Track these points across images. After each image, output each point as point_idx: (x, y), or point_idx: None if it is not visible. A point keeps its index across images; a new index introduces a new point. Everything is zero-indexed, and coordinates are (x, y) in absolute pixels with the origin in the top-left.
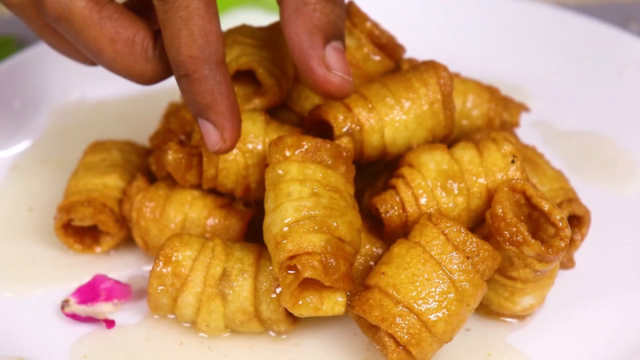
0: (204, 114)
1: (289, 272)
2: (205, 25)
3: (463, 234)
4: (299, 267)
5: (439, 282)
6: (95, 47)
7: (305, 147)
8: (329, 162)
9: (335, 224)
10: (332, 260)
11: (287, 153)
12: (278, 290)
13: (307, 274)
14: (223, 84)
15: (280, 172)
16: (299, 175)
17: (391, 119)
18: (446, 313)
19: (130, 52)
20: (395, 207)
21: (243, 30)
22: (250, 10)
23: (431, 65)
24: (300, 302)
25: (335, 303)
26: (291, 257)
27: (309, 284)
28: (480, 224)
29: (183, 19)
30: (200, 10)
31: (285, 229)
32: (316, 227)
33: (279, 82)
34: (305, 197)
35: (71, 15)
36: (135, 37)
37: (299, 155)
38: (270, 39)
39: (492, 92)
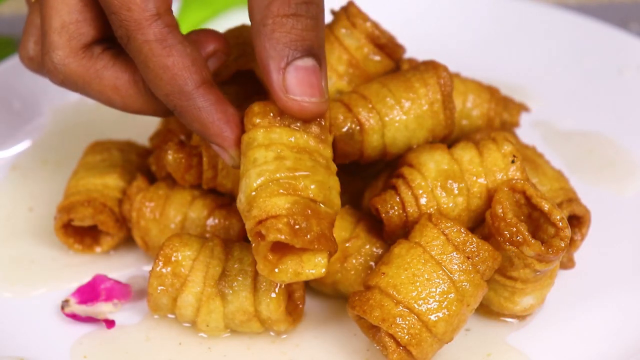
0: (207, 139)
1: (258, 239)
2: (164, 61)
3: (463, 234)
4: (263, 231)
5: (439, 282)
6: (103, 99)
7: (272, 112)
8: (298, 124)
9: (302, 184)
10: (302, 222)
11: (257, 120)
12: (277, 288)
13: (272, 237)
14: (204, 109)
15: (248, 140)
16: (264, 141)
17: (391, 119)
18: (446, 313)
19: (136, 93)
20: (396, 207)
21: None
22: None
23: (431, 65)
24: (277, 270)
25: (315, 265)
26: (258, 224)
27: (288, 250)
28: (480, 224)
29: (143, 63)
30: (154, 49)
31: (253, 193)
32: (281, 190)
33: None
34: (269, 162)
35: (71, 78)
36: (136, 78)
37: (266, 121)
38: None
39: (492, 92)
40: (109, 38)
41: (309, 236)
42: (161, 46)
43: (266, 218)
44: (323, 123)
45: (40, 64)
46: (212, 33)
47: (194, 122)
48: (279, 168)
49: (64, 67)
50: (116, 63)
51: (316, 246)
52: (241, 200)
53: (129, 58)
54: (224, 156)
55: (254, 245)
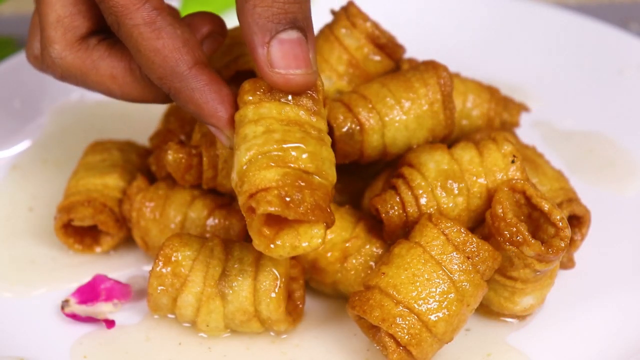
0: (202, 121)
1: (251, 214)
2: (154, 44)
3: (463, 234)
4: (254, 205)
5: (439, 282)
6: (102, 89)
7: (262, 88)
8: (288, 98)
9: (293, 155)
10: (293, 193)
11: (248, 97)
12: (277, 288)
13: (262, 209)
14: (197, 89)
15: (239, 118)
16: (254, 117)
17: (391, 119)
18: (447, 313)
19: (134, 80)
20: (396, 207)
21: None
22: None
23: (431, 65)
24: (274, 245)
25: (312, 237)
26: (249, 198)
27: (284, 225)
28: (480, 224)
29: (135, 48)
30: (143, 34)
31: (244, 167)
32: (271, 163)
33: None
34: (258, 136)
35: (69, 71)
36: (131, 65)
37: (257, 97)
38: None
39: (492, 92)
40: (105, 29)
41: (302, 208)
42: (150, 29)
43: (256, 192)
44: (315, 96)
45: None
46: (207, 15)
47: (188, 104)
48: (267, 141)
49: (61, 60)
50: (112, 53)
51: (311, 217)
52: (234, 178)
53: (124, 47)
54: (220, 137)
55: (247, 221)
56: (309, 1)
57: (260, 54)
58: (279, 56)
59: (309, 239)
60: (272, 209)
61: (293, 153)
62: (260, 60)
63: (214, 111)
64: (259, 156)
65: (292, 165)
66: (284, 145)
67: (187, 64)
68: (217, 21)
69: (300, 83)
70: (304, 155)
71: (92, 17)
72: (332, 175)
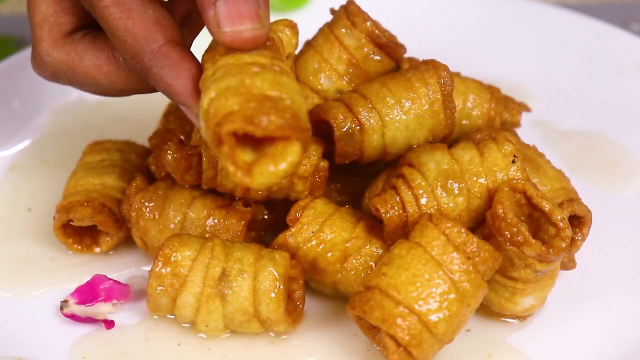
0: (172, 99)
1: (219, 143)
2: (124, 24)
3: (464, 235)
4: (219, 129)
5: (439, 282)
6: (90, 81)
7: (219, 52)
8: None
9: (256, 83)
10: (258, 111)
11: (207, 65)
12: (277, 289)
13: (226, 129)
14: (167, 67)
15: (201, 83)
16: (211, 71)
17: (391, 118)
18: (447, 314)
19: (117, 68)
20: (396, 207)
21: None
22: None
23: (431, 65)
24: (253, 175)
25: (288, 153)
26: (215, 127)
27: (260, 155)
28: (480, 224)
29: (108, 31)
30: (114, 14)
31: (206, 107)
32: (230, 93)
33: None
34: (217, 79)
35: (57, 68)
36: (114, 52)
37: (214, 59)
38: None
39: (492, 92)
40: (90, 24)
41: (268, 124)
42: (119, 9)
43: (220, 120)
44: (274, 48)
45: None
46: None
47: (158, 82)
48: (225, 78)
49: (48, 57)
50: (95, 43)
51: (283, 132)
52: (202, 128)
53: (107, 37)
54: (191, 116)
55: (218, 154)
56: None
57: (208, 15)
58: (224, 15)
59: (285, 157)
60: (236, 126)
61: (255, 82)
62: (209, 21)
63: (183, 89)
64: (220, 93)
65: (254, 91)
66: (244, 79)
67: (157, 42)
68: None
69: (248, 39)
70: (263, 82)
71: (75, 13)
72: (298, 101)
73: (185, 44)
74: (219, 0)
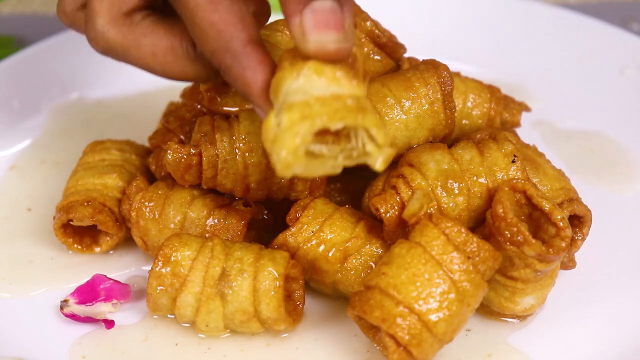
0: (247, 99)
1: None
2: (210, 17)
3: (464, 234)
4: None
5: (439, 282)
6: (142, 65)
7: (300, 56)
8: None
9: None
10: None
11: (286, 64)
12: (277, 288)
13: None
14: (250, 68)
15: (275, 81)
16: (290, 77)
17: (391, 118)
18: (447, 313)
19: (175, 59)
20: (396, 207)
21: None
22: None
23: (431, 65)
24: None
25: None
26: None
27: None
28: (480, 223)
29: (190, 19)
30: (200, 5)
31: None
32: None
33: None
34: (292, 108)
35: (111, 45)
36: (174, 43)
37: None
38: (271, 39)
39: (492, 92)
40: (151, 6)
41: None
42: (207, 1)
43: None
44: (355, 66)
45: (72, 20)
46: None
47: (237, 81)
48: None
49: (104, 34)
50: (155, 29)
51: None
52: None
53: (167, 25)
54: (261, 113)
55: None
56: None
57: (293, 23)
58: (311, 24)
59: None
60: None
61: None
62: (294, 29)
63: (261, 92)
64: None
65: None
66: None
67: (241, 41)
68: (261, 1)
69: (332, 51)
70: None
71: None
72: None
73: (263, 44)
74: (307, 7)
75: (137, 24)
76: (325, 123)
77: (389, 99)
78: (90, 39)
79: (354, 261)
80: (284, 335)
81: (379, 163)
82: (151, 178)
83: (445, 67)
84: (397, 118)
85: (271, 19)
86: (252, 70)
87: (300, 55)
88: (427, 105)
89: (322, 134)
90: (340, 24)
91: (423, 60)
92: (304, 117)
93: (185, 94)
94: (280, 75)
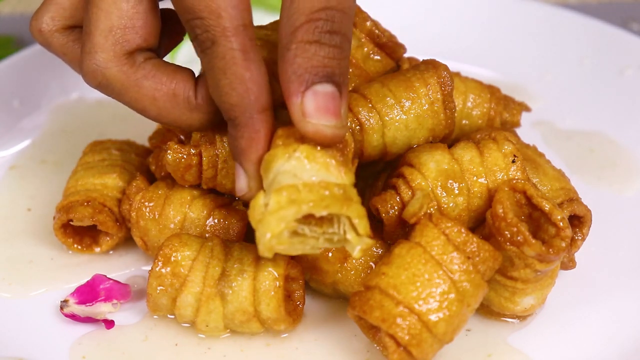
0: (238, 159)
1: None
2: (243, 73)
3: (464, 234)
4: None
5: (439, 282)
6: (138, 107)
7: (294, 135)
8: (317, 148)
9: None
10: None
11: (279, 142)
12: (277, 288)
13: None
14: (261, 133)
15: (267, 158)
16: (283, 157)
17: (391, 118)
18: (447, 313)
19: (173, 106)
20: (396, 207)
21: None
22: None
23: (431, 65)
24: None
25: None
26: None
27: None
28: (480, 224)
29: (221, 69)
30: (237, 59)
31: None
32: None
33: (279, 82)
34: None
35: (109, 82)
36: (175, 90)
37: (288, 141)
38: (270, 39)
39: (492, 92)
40: (152, 48)
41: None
42: (243, 57)
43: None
44: (344, 150)
45: (49, 42)
46: None
47: (242, 140)
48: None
49: (105, 70)
50: (157, 74)
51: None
52: (249, 194)
53: (170, 70)
54: (242, 183)
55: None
56: (348, 59)
57: (294, 102)
58: (312, 107)
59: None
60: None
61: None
62: (294, 108)
63: (256, 159)
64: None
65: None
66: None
67: (262, 105)
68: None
69: (329, 135)
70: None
71: (145, 34)
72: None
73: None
74: (309, 90)
75: (139, 65)
76: (311, 210)
77: (388, 98)
78: (87, 72)
79: (354, 261)
80: (284, 335)
81: (356, 251)
82: (151, 178)
83: (445, 67)
84: (397, 118)
85: (271, 19)
86: (260, 135)
87: (294, 135)
88: (427, 106)
89: (306, 217)
90: (338, 111)
91: (423, 60)
92: (291, 201)
93: None
94: (273, 153)
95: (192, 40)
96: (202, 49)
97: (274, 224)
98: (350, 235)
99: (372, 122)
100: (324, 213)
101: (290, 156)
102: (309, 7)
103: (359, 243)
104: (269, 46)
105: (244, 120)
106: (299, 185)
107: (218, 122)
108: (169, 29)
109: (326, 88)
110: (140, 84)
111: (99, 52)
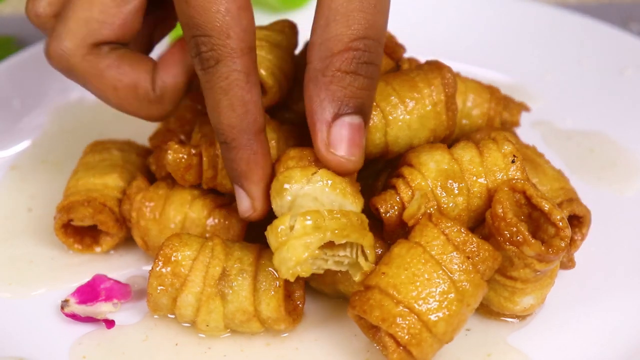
0: (239, 181)
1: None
2: (244, 95)
3: (463, 234)
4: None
5: (439, 282)
6: (101, 95)
7: (308, 158)
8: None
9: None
10: None
11: (291, 163)
12: (277, 288)
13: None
14: (259, 154)
15: (282, 179)
16: (302, 181)
17: (395, 117)
18: (447, 313)
19: (134, 97)
20: (396, 207)
21: None
22: None
23: (435, 66)
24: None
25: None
26: None
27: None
28: (480, 223)
29: (223, 89)
30: (240, 81)
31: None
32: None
33: (279, 83)
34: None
35: (73, 69)
36: (137, 82)
37: (302, 163)
38: (271, 39)
39: (492, 92)
40: (120, 42)
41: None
42: (246, 80)
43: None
44: (353, 178)
45: (44, 23)
46: None
47: (240, 162)
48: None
49: (70, 57)
50: (120, 65)
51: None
52: (248, 210)
53: (132, 61)
54: (246, 204)
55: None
56: (376, 89)
57: (320, 129)
58: (339, 138)
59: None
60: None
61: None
62: (320, 135)
63: (261, 181)
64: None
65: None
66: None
67: (258, 127)
68: None
69: (349, 169)
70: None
71: (120, 32)
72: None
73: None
74: (338, 120)
75: (103, 55)
76: (333, 237)
77: (392, 97)
78: (53, 56)
79: None
80: (284, 335)
81: (359, 276)
82: (151, 178)
83: (449, 69)
84: (401, 118)
85: (271, 19)
86: (258, 156)
87: (307, 158)
88: (430, 107)
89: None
90: (361, 143)
91: (427, 61)
92: (317, 228)
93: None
94: (288, 175)
95: (193, 57)
96: (205, 67)
97: (300, 250)
98: (362, 262)
99: (375, 120)
100: (343, 241)
101: (309, 179)
102: (348, 34)
103: (368, 269)
104: (269, 46)
105: (242, 142)
106: (323, 212)
107: (172, 115)
108: (163, 15)
109: (354, 120)
110: (103, 74)
111: (68, 39)
